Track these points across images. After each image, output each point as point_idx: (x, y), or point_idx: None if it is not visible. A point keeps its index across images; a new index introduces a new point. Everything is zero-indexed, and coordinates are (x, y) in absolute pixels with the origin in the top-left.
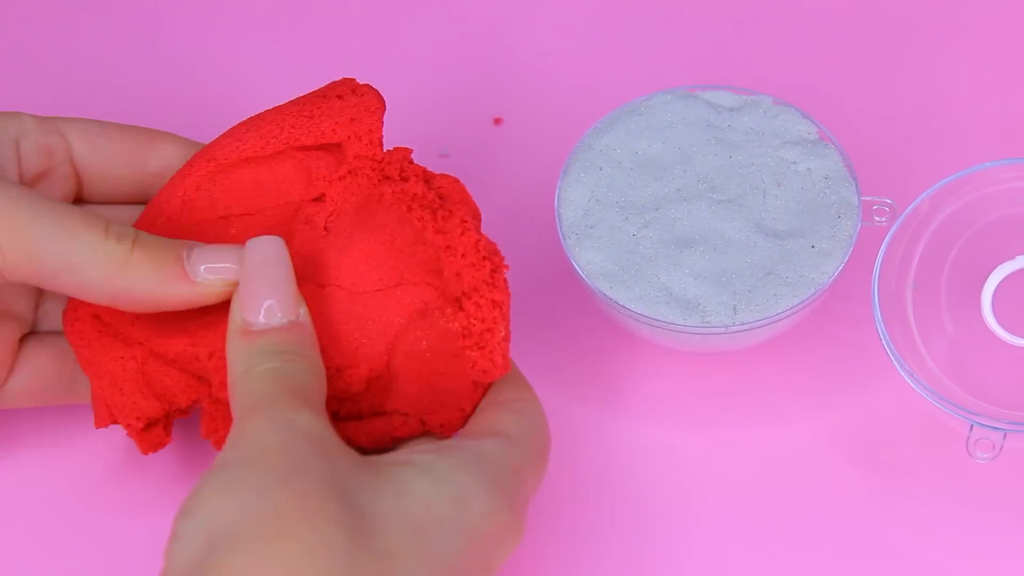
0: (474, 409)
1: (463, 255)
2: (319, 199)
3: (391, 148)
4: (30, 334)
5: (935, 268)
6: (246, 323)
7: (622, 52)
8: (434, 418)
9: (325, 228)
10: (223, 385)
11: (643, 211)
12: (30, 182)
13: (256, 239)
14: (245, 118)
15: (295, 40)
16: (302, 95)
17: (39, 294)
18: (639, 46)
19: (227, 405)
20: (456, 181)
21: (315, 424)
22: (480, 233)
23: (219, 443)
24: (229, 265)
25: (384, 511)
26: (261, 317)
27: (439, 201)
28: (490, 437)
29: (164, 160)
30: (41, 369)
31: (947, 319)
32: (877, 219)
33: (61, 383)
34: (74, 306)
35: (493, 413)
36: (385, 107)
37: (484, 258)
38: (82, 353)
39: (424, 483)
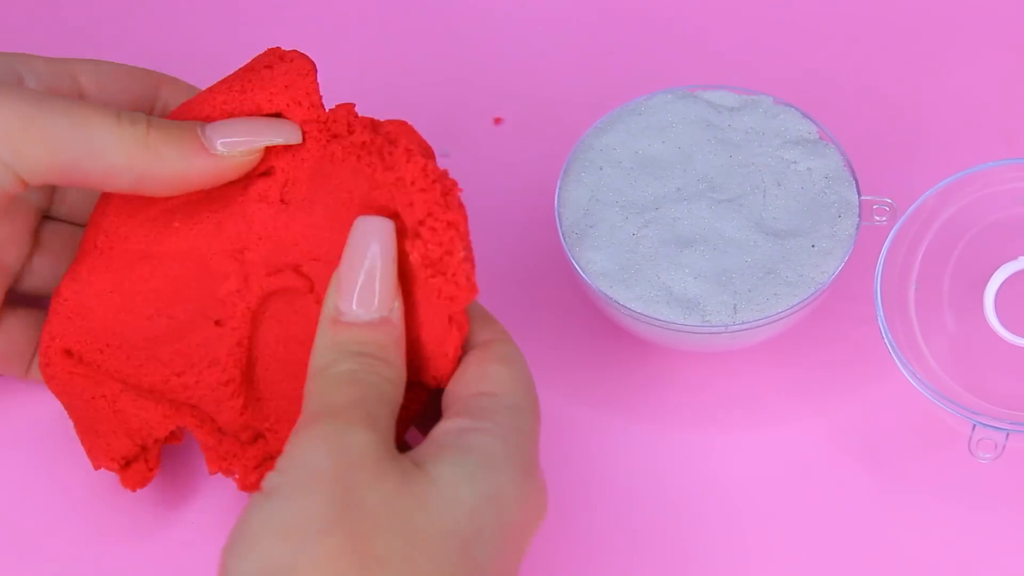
0: (457, 351)
1: (412, 182)
2: (267, 173)
3: (333, 106)
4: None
5: (937, 268)
6: (338, 311)
7: (622, 52)
8: (428, 375)
9: (282, 201)
10: (225, 412)
11: (643, 211)
12: None
13: (365, 218)
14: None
15: (293, 39)
16: (229, 74)
17: (31, 247)
18: (639, 46)
19: (231, 437)
20: (404, 123)
21: (370, 442)
22: (427, 159)
23: (242, 485)
24: (245, 137)
25: (434, 530)
26: (354, 305)
27: (388, 145)
28: (489, 401)
29: (167, 104)
30: (14, 332)
31: (949, 319)
32: (877, 219)
33: (29, 353)
34: (45, 345)
35: (480, 366)
36: (316, 69)
37: (433, 181)
38: (63, 400)
39: (465, 485)
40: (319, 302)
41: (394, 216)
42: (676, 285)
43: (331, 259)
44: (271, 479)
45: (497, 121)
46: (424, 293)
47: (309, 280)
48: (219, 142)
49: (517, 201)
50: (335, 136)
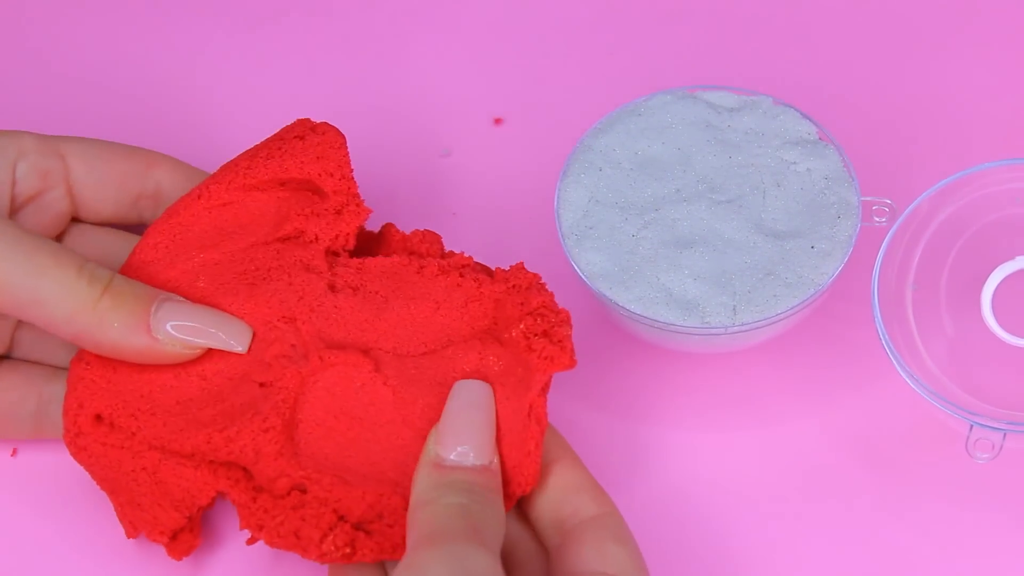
0: (538, 447)
1: (528, 287)
2: (297, 237)
3: (418, 229)
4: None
5: (935, 268)
6: (439, 457)
7: (622, 52)
8: (513, 484)
9: (353, 288)
10: (262, 459)
11: (643, 212)
12: (23, 203)
13: (465, 382)
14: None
15: (294, 39)
16: (260, 142)
17: (16, 320)
18: (639, 46)
19: (268, 495)
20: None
21: (488, 566)
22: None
23: (270, 539)
24: (196, 325)
25: None
26: (453, 456)
27: (490, 268)
28: None
29: (160, 184)
30: (2, 394)
31: (947, 319)
32: (877, 219)
33: (23, 413)
34: (73, 414)
35: (597, 544)
36: (346, 141)
37: (547, 289)
38: (95, 472)
39: None
40: (386, 384)
41: (488, 328)
42: (675, 286)
43: (401, 352)
44: None
45: (497, 121)
46: (508, 399)
47: (375, 361)
48: (169, 324)
49: (517, 201)
50: (412, 252)
